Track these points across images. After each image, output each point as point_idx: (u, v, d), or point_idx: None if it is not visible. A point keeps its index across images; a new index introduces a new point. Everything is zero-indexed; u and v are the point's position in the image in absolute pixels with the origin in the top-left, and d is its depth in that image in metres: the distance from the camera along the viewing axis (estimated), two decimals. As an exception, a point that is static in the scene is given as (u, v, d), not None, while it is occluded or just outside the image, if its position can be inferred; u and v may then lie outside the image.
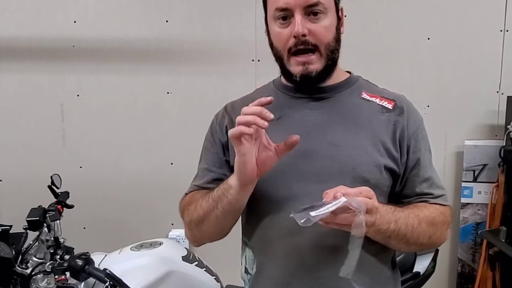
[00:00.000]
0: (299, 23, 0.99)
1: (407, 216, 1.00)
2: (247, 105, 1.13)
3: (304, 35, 1.00)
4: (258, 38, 2.43)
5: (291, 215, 0.87)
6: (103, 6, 2.46)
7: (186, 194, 1.19)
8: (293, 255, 1.01)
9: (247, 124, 0.90)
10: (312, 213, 0.84)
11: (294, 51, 1.02)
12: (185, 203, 1.14)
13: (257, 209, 1.07)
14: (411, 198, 1.10)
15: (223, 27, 2.47)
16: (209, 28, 2.47)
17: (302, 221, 0.83)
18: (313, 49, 1.02)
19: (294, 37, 1.00)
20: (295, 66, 1.03)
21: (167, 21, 2.47)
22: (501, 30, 2.44)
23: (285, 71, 1.07)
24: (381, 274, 1.08)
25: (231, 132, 0.92)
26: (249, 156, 0.93)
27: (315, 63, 1.03)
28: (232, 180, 0.98)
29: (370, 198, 0.90)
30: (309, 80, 1.05)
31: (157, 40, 2.48)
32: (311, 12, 1.00)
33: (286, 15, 1.01)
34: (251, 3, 2.41)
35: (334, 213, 0.85)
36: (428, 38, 2.47)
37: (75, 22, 2.46)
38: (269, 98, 0.92)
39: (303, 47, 1.01)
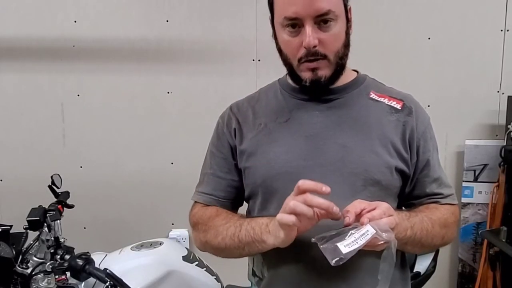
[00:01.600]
0: (310, 35, 0.96)
1: (421, 220, 1.00)
2: (253, 107, 1.13)
3: (314, 46, 0.97)
4: (259, 38, 2.43)
5: (313, 240, 0.85)
6: (104, 6, 2.45)
7: (196, 202, 1.16)
8: (305, 257, 1.00)
9: (304, 213, 0.86)
10: (342, 248, 0.82)
11: (304, 61, 1.00)
12: (199, 220, 1.12)
13: (268, 211, 1.05)
14: (422, 198, 1.10)
15: (224, 27, 2.47)
16: (209, 28, 2.47)
17: (334, 260, 0.82)
18: (323, 58, 1.00)
19: (305, 47, 0.98)
20: (305, 72, 1.02)
21: (167, 21, 2.47)
22: (501, 30, 2.44)
23: (294, 76, 1.06)
24: None
25: (283, 220, 0.88)
26: (294, 230, 0.90)
27: (324, 69, 1.01)
28: (267, 238, 0.95)
29: (391, 215, 0.88)
30: (319, 85, 1.03)
31: (157, 40, 2.48)
32: (321, 20, 0.97)
33: (295, 23, 0.98)
34: (252, 3, 2.41)
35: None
36: (429, 38, 2.47)
37: (75, 22, 2.45)
38: (328, 191, 0.87)
39: (313, 58, 0.99)
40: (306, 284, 1.02)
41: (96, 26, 2.46)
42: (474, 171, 2.49)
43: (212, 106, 2.39)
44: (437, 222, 1.03)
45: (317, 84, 1.02)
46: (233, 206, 1.16)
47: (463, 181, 2.51)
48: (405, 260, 1.14)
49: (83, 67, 2.49)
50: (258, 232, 0.98)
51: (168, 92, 2.52)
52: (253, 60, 2.48)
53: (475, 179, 2.49)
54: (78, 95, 2.52)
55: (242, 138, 1.11)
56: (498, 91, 2.48)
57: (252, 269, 1.17)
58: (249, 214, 1.14)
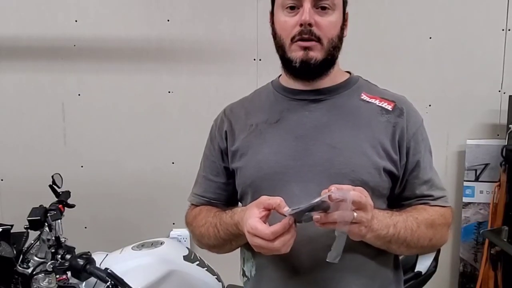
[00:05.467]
0: (307, 12, 0.99)
1: (405, 219, 1.00)
2: (246, 108, 1.15)
3: (310, 25, 1.00)
4: (260, 37, 2.43)
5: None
6: (104, 5, 2.45)
7: (191, 204, 1.21)
8: (292, 257, 0.99)
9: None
10: (290, 209, 0.88)
11: (298, 39, 1.02)
12: (188, 220, 1.19)
13: None
14: (411, 200, 1.09)
15: (225, 26, 2.46)
16: (210, 27, 2.46)
17: (287, 212, 0.88)
18: (316, 40, 1.02)
19: (301, 25, 1.00)
20: (297, 52, 1.02)
21: (168, 20, 2.46)
22: (503, 29, 2.43)
23: (285, 60, 1.06)
24: (382, 276, 1.08)
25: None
26: None
27: (316, 51, 1.02)
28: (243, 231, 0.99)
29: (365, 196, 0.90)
30: (308, 68, 1.03)
31: (158, 39, 2.47)
32: (319, 5, 1.01)
33: (295, 4, 1.01)
34: (253, 3, 2.41)
35: (325, 211, 0.85)
36: (430, 37, 2.46)
37: (76, 21, 2.45)
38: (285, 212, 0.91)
39: (307, 36, 1.01)
40: (293, 285, 1.03)
41: (97, 26, 2.46)
42: (475, 170, 2.49)
43: (213, 106, 2.37)
44: (423, 222, 1.02)
45: (306, 66, 1.02)
46: (226, 207, 1.16)
47: (464, 181, 2.50)
48: (398, 262, 1.15)
49: (84, 66, 2.49)
50: (233, 232, 1.03)
51: (169, 92, 2.52)
52: (254, 59, 2.48)
53: (476, 179, 2.49)
54: (79, 95, 2.52)
55: (234, 139, 1.12)
56: (499, 91, 2.48)
57: (242, 269, 1.17)
58: None
